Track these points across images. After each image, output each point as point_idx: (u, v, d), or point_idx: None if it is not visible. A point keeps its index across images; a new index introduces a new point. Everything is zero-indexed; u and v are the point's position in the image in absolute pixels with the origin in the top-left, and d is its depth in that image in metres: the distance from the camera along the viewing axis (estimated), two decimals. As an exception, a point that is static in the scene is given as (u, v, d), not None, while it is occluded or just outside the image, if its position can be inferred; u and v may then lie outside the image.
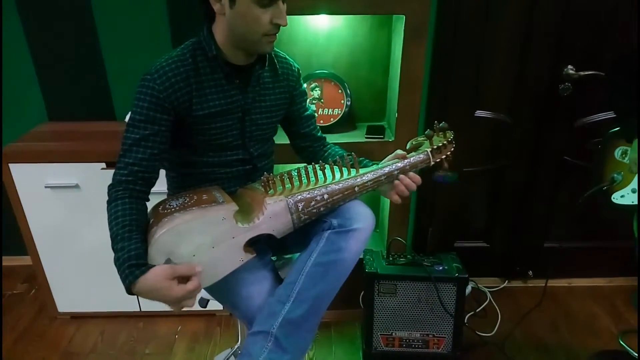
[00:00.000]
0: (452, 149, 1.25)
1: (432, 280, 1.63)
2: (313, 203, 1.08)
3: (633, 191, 1.39)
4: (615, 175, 1.44)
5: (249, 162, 1.19)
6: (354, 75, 1.77)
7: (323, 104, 1.73)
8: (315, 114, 1.39)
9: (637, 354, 1.52)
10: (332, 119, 1.74)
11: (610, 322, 1.93)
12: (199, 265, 0.95)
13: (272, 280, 1.11)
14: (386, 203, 1.85)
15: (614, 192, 1.43)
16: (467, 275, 1.66)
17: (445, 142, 1.22)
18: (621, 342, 1.77)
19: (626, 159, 1.42)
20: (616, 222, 1.98)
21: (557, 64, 1.75)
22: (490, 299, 2.05)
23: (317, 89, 1.72)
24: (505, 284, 2.15)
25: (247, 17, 0.99)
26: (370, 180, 1.13)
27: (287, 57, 1.23)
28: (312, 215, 1.09)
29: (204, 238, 0.98)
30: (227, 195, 1.06)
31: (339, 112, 1.73)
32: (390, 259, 1.71)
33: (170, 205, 1.01)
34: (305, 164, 1.15)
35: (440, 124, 1.24)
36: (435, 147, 1.20)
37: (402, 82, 1.60)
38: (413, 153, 1.19)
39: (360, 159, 1.25)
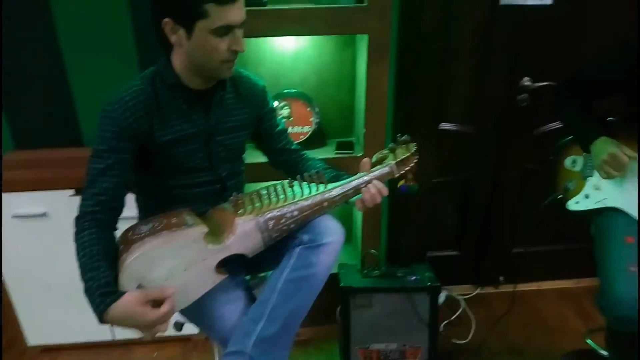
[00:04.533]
0: (416, 160, 1.30)
1: (406, 291, 1.66)
2: (283, 220, 1.09)
3: (586, 197, 1.47)
4: (568, 183, 1.51)
5: (218, 183, 1.20)
6: (322, 93, 1.81)
7: (292, 122, 1.76)
8: (287, 128, 1.42)
9: (605, 352, 1.58)
10: (301, 137, 1.77)
11: (579, 322, 2.00)
12: (171, 289, 0.96)
13: (245, 300, 1.12)
14: (359, 216, 1.88)
15: (569, 199, 1.50)
16: (439, 284, 1.69)
17: (408, 154, 1.26)
18: (588, 342, 1.83)
19: (576, 167, 1.50)
20: (581, 225, 2.06)
21: (514, 77, 1.84)
22: (464, 307, 2.09)
23: (285, 107, 1.75)
24: (478, 291, 2.21)
25: (204, 47, 1.02)
26: (338, 195, 1.16)
27: (250, 76, 1.26)
28: (283, 232, 1.10)
29: (175, 262, 0.99)
30: (196, 218, 1.07)
31: (309, 129, 1.77)
32: (365, 272, 1.73)
33: (140, 230, 1.02)
34: (274, 182, 1.17)
35: (403, 137, 1.29)
36: (399, 159, 1.24)
37: (368, 98, 1.65)
38: (378, 166, 1.23)
39: (335, 173, 1.28)
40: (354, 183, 1.18)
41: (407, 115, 1.88)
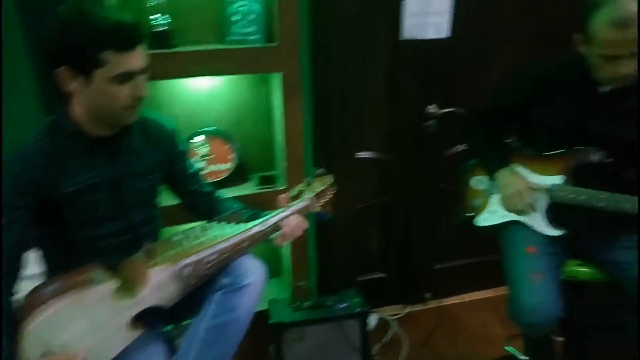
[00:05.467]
0: (333, 192, 1.34)
1: (336, 320, 1.68)
2: (201, 266, 1.08)
3: (491, 213, 1.59)
4: (475, 201, 1.63)
5: (130, 231, 1.16)
6: (240, 129, 1.82)
7: (212, 160, 1.75)
8: (201, 170, 1.41)
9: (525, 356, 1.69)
10: (222, 174, 1.76)
11: (501, 329, 2.12)
12: (82, 354, 0.90)
13: (165, 354, 1.08)
14: (286, 249, 1.89)
15: (477, 216, 1.62)
16: (367, 309, 1.74)
17: (324, 186, 1.31)
18: (507, 349, 1.95)
19: (481, 186, 1.63)
20: (494, 238, 2.22)
21: (422, 105, 1.97)
22: (395, 327, 2.15)
23: (204, 146, 1.74)
24: (408, 310, 2.28)
25: (104, 94, 1.00)
26: (258, 233, 1.17)
27: (159, 119, 1.24)
28: (202, 278, 1.09)
29: (83, 323, 0.94)
30: (106, 273, 1.02)
31: (229, 166, 1.76)
32: (295, 305, 1.73)
33: (44, 292, 0.96)
34: (190, 226, 1.15)
35: (318, 171, 1.34)
36: (316, 192, 1.28)
37: (286, 133, 1.68)
38: (296, 200, 1.26)
39: (253, 212, 1.28)
40: (274, 219, 1.20)
41: (326, 147, 1.93)
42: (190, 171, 1.30)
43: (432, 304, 2.30)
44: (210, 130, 1.74)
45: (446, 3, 1.80)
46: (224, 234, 1.13)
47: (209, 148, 1.73)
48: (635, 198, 1.29)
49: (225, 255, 1.10)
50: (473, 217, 1.64)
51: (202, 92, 1.74)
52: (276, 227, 1.19)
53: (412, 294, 2.29)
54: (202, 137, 1.73)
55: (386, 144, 2.02)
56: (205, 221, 1.15)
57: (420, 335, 2.06)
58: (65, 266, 1.05)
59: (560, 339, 1.71)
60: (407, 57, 1.88)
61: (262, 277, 1.13)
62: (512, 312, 1.38)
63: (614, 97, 1.32)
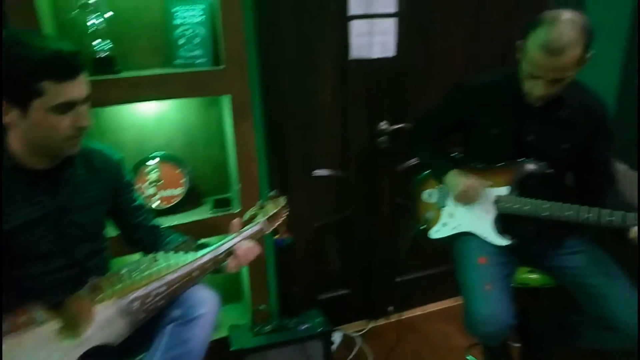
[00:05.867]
0: (287, 214, 1.34)
1: (299, 342, 1.66)
2: (150, 299, 1.04)
3: (443, 225, 1.63)
4: (427, 214, 1.67)
5: (75, 266, 1.11)
6: (192, 153, 1.79)
7: (163, 186, 1.71)
8: (146, 203, 1.36)
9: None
10: (174, 199, 1.72)
11: (462, 339, 2.16)
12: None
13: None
14: (245, 273, 1.85)
15: (430, 228, 1.66)
16: (329, 328, 1.73)
17: (277, 209, 1.30)
18: (468, 358, 1.99)
19: (432, 199, 1.67)
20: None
21: (373, 122, 2.00)
22: (360, 343, 2.15)
23: (153, 171, 1.69)
24: (371, 325, 2.28)
25: (43, 126, 0.96)
26: (209, 260, 1.14)
27: (104, 150, 1.21)
28: (151, 311, 1.05)
29: (23, 368, 0.88)
30: (48, 312, 0.97)
31: (181, 191, 1.73)
32: (256, 329, 1.70)
33: (-22, 338, 0.89)
34: (140, 258, 1.11)
35: (271, 193, 1.33)
36: (269, 215, 1.27)
37: (238, 155, 1.67)
38: (249, 225, 1.24)
39: (201, 241, 1.25)
40: (225, 245, 1.18)
41: (282, 166, 1.93)
42: (134, 204, 1.26)
43: (395, 317, 2.31)
44: (159, 156, 1.70)
45: (390, 24, 1.86)
46: (173, 264, 1.09)
47: (159, 173, 1.69)
48: (577, 206, 1.35)
49: (175, 286, 1.07)
50: (426, 229, 1.68)
51: (150, 116, 1.71)
52: (229, 253, 1.17)
53: (375, 309, 2.29)
54: (151, 163, 1.68)
55: (342, 161, 2.04)
56: (154, 252, 1.11)
57: (385, 350, 2.06)
58: (6, 307, 0.99)
59: (517, 344, 1.76)
60: (356, 76, 1.91)
61: (214, 307, 1.10)
62: (467, 323, 1.40)
63: (545, 109, 1.39)
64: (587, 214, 1.33)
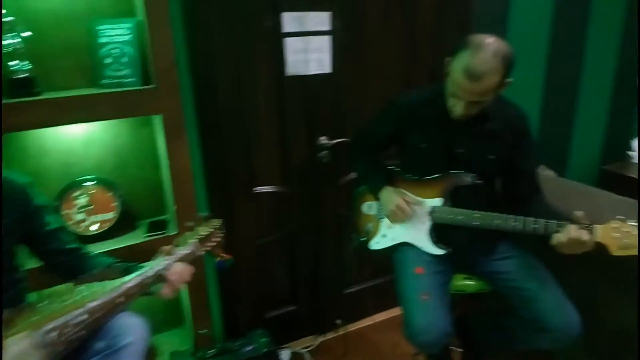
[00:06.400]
0: (221, 235, 1.31)
1: (242, 364, 1.62)
2: (68, 329, 0.98)
3: (383, 236, 1.65)
4: (367, 226, 1.69)
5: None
6: (124, 175, 1.72)
7: (93, 211, 1.63)
8: (64, 227, 1.28)
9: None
10: (106, 224, 1.64)
11: (408, 346, 2.17)
12: None
13: None
14: (185, 297, 1.80)
15: (371, 240, 1.68)
16: (274, 348, 1.70)
17: (210, 230, 1.28)
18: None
19: (372, 211, 1.69)
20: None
21: (313, 137, 2.01)
22: (309, 359, 2.13)
23: (82, 196, 1.61)
24: (320, 340, 2.27)
25: None
26: (135, 286, 1.09)
27: (8, 175, 1.13)
28: (72, 343, 0.99)
29: None
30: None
31: (113, 215, 1.65)
32: (199, 355, 1.65)
33: None
34: (56, 287, 1.05)
35: (203, 215, 1.31)
36: (201, 237, 1.24)
37: (173, 175, 1.62)
38: (180, 247, 1.21)
39: (130, 264, 1.20)
40: (155, 269, 1.13)
41: (221, 185, 1.90)
42: (48, 228, 1.18)
43: (344, 329, 2.32)
44: (88, 179, 1.62)
45: (325, 41, 1.88)
46: (96, 292, 1.04)
47: (88, 198, 1.61)
48: (505, 215, 1.41)
49: (97, 314, 1.01)
50: (367, 241, 1.70)
51: (77, 138, 1.63)
52: (159, 277, 1.13)
53: (323, 323, 2.29)
54: (80, 187, 1.60)
55: (284, 177, 2.03)
56: (74, 280, 1.05)
57: (333, 364, 2.06)
58: None
59: (459, 349, 1.80)
60: (294, 92, 1.92)
61: (142, 335, 1.06)
62: (407, 333, 1.43)
63: (471, 123, 1.45)
64: (513, 222, 1.40)
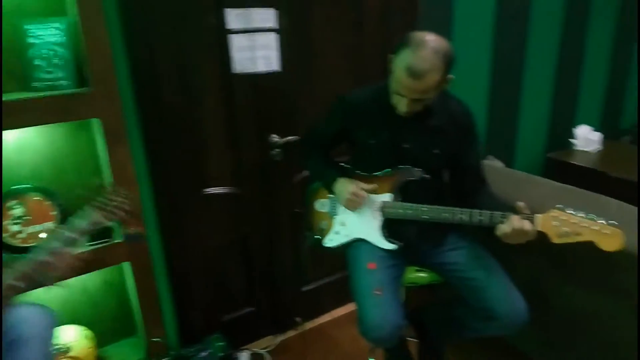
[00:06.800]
0: (125, 202, 1.29)
1: (197, 371, 1.59)
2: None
3: (336, 233, 1.65)
4: (321, 223, 1.68)
5: None
6: (62, 181, 1.63)
7: (30, 221, 1.54)
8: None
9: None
10: (45, 234, 1.55)
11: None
12: None
13: None
14: (135, 305, 1.73)
15: (324, 237, 1.67)
16: (232, 351, 1.68)
17: (111, 198, 1.26)
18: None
19: (325, 208, 1.69)
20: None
21: (264, 135, 1.98)
22: (269, 360, 2.12)
23: (17, 207, 1.52)
24: (280, 339, 2.26)
25: None
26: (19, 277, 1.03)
27: None
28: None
29: None
30: None
31: (52, 224, 1.57)
32: (151, 363, 1.60)
33: None
34: None
35: (98, 182, 1.28)
36: (102, 205, 1.23)
37: (116, 180, 1.55)
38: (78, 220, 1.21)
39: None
40: (39, 257, 1.08)
41: (169, 188, 1.84)
42: None
43: (305, 327, 2.31)
44: (23, 189, 1.53)
45: (272, 38, 1.85)
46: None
47: (24, 209, 1.52)
48: (451, 208, 1.44)
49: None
50: (321, 239, 1.69)
51: (7, 146, 1.53)
52: (41, 263, 1.07)
53: (282, 322, 2.27)
54: (14, 197, 1.51)
55: (235, 177, 1.99)
56: None
57: (294, 363, 2.05)
58: None
59: (415, 340, 1.83)
60: (241, 90, 1.88)
61: (44, 327, 0.98)
62: (361, 329, 1.44)
63: (416, 119, 1.46)
64: (460, 214, 1.43)
